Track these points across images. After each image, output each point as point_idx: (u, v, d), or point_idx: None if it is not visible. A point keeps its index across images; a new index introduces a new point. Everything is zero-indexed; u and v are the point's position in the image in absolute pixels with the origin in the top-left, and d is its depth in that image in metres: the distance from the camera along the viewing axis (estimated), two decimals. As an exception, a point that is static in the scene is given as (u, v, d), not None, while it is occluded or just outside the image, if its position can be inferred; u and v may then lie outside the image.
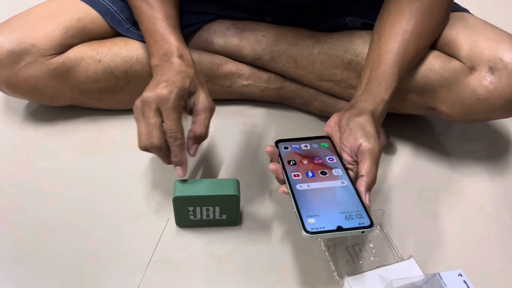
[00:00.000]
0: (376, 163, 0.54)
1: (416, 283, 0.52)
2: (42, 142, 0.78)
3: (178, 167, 0.60)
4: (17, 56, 0.72)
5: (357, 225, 0.49)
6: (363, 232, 0.49)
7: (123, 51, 0.77)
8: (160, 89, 0.58)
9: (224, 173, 0.73)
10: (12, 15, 0.76)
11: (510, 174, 0.75)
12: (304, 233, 0.48)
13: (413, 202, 0.69)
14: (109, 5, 0.78)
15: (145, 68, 0.78)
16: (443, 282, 0.52)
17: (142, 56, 0.78)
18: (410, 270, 0.55)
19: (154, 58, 0.66)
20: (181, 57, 0.64)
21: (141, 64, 0.78)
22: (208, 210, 0.61)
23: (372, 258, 0.59)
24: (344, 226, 0.48)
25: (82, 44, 0.76)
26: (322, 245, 0.61)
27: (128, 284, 0.57)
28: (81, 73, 0.76)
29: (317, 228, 0.48)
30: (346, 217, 0.49)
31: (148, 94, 0.58)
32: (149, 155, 0.75)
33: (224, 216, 0.63)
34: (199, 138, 0.62)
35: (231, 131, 0.81)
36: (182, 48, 0.66)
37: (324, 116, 0.83)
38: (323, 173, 0.55)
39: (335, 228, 0.48)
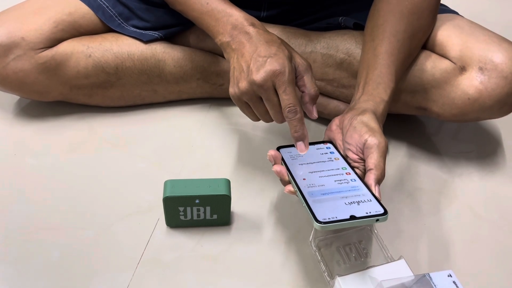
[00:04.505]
0: (383, 157, 0.54)
1: (406, 283, 0.52)
2: (32, 140, 0.77)
3: (300, 143, 0.57)
4: (6, 49, 0.71)
5: (371, 213, 0.48)
6: (377, 220, 0.48)
7: (114, 46, 0.77)
8: (270, 65, 0.55)
9: (215, 173, 0.73)
10: (2, 9, 0.76)
11: (500, 174, 0.76)
12: (316, 224, 0.47)
13: (404, 203, 0.70)
14: (101, 1, 0.78)
15: (136, 64, 0.78)
16: (433, 283, 0.52)
17: (133, 52, 0.77)
18: (400, 270, 0.55)
19: (222, 36, 0.63)
20: (253, 25, 0.61)
21: (132, 60, 0.77)
22: (198, 210, 0.61)
23: (362, 259, 0.59)
24: (357, 215, 0.48)
25: (72, 39, 0.76)
26: (313, 246, 0.61)
27: (117, 285, 0.57)
28: (71, 68, 0.75)
29: (329, 218, 0.47)
30: (358, 207, 0.49)
31: (260, 75, 0.55)
32: (139, 154, 0.75)
33: (215, 216, 0.62)
34: (315, 98, 0.60)
35: (222, 130, 0.81)
36: (249, 16, 0.63)
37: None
38: (329, 170, 0.55)
39: (348, 217, 0.48)
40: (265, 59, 0.56)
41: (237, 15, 0.63)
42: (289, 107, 0.55)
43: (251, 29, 0.60)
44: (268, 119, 0.60)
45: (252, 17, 0.63)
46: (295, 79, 0.59)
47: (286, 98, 0.55)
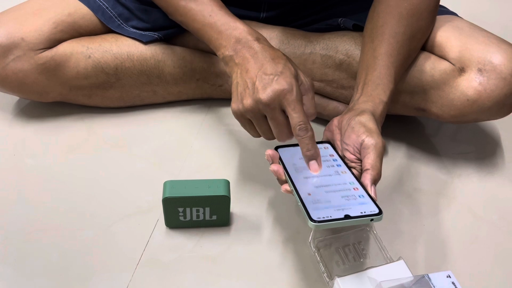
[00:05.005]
0: (380, 158, 0.54)
1: (405, 284, 0.52)
2: (31, 141, 0.77)
3: (313, 162, 0.55)
4: (5, 50, 0.71)
5: (366, 213, 0.49)
6: (372, 219, 0.49)
7: (114, 47, 0.77)
8: (277, 85, 0.53)
9: (214, 173, 0.73)
10: (2, 9, 0.76)
11: (499, 175, 0.76)
12: (310, 222, 0.47)
13: (403, 203, 0.70)
14: (101, 1, 0.78)
15: (135, 65, 0.78)
16: (432, 284, 0.52)
17: (132, 53, 0.77)
18: (399, 271, 0.55)
19: (225, 49, 0.60)
20: (258, 40, 0.59)
21: (132, 61, 0.77)
22: (198, 210, 0.61)
23: (361, 260, 0.59)
24: (352, 214, 0.48)
25: (72, 40, 0.76)
26: (312, 246, 0.61)
27: (116, 285, 0.57)
28: (70, 69, 0.75)
29: (323, 217, 0.48)
30: (352, 207, 0.49)
31: (267, 94, 0.53)
32: (139, 155, 0.75)
33: (214, 217, 0.62)
34: (311, 118, 0.58)
35: (221, 131, 0.81)
36: (254, 31, 0.61)
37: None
38: (326, 170, 0.55)
39: (342, 216, 0.48)
40: (272, 78, 0.54)
41: (241, 29, 0.61)
42: (299, 125, 0.53)
43: (255, 44, 0.59)
44: (271, 137, 0.58)
45: (257, 32, 0.61)
46: None
47: (296, 116, 0.53)
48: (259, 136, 0.60)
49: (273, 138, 0.58)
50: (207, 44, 0.65)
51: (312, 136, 0.54)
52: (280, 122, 0.55)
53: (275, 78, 0.54)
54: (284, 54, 0.59)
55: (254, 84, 0.55)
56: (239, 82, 0.58)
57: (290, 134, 0.56)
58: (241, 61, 0.58)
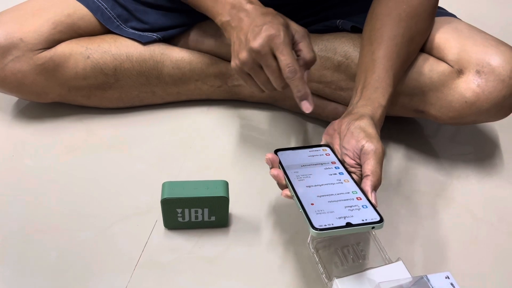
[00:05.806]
0: (380, 164, 0.54)
1: (404, 285, 0.52)
2: (30, 142, 0.77)
3: (304, 101, 0.58)
4: (4, 50, 0.71)
5: (367, 221, 0.49)
6: (373, 227, 0.49)
7: (113, 48, 0.77)
8: (265, 31, 0.57)
9: (213, 174, 0.73)
10: (1, 10, 0.76)
11: (497, 176, 0.76)
12: (312, 230, 0.47)
13: (402, 205, 0.70)
14: (100, 2, 0.78)
15: (134, 66, 0.78)
16: (431, 285, 0.52)
17: (131, 54, 0.77)
18: (398, 272, 0.55)
19: (221, 16, 0.64)
20: (251, 2, 0.63)
21: (131, 61, 0.77)
22: (196, 212, 0.61)
23: (360, 261, 0.59)
24: (354, 222, 0.48)
25: (71, 40, 0.76)
26: (311, 247, 0.61)
27: (115, 286, 0.57)
28: (69, 69, 0.75)
29: (325, 225, 0.48)
30: (354, 214, 0.49)
31: (257, 41, 0.57)
32: (137, 156, 0.75)
33: (213, 218, 0.62)
34: (310, 63, 0.61)
35: (220, 132, 0.81)
36: None
37: (314, 118, 0.84)
38: (326, 176, 0.55)
39: (344, 224, 0.48)
40: (261, 27, 0.58)
41: None
42: (288, 67, 0.56)
43: (248, 6, 0.62)
44: (271, 88, 0.61)
45: None
46: (293, 45, 0.60)
47: (284, 58, 0.56)
48: (262, 91, 0.63)
49: (274, 89, 0.61)
50: (205, 14, 0.68)
51: (301, 76, 0.57)
52: (274, 68, 0.58)
53: (264, 27, 0.57)
54: (275, 11, 0.62)
55: (246, 37, 0.59)
56: (235, 41, 0.61)
57: (283, 80, 0.58)
58: (237, 23, 0.62)
